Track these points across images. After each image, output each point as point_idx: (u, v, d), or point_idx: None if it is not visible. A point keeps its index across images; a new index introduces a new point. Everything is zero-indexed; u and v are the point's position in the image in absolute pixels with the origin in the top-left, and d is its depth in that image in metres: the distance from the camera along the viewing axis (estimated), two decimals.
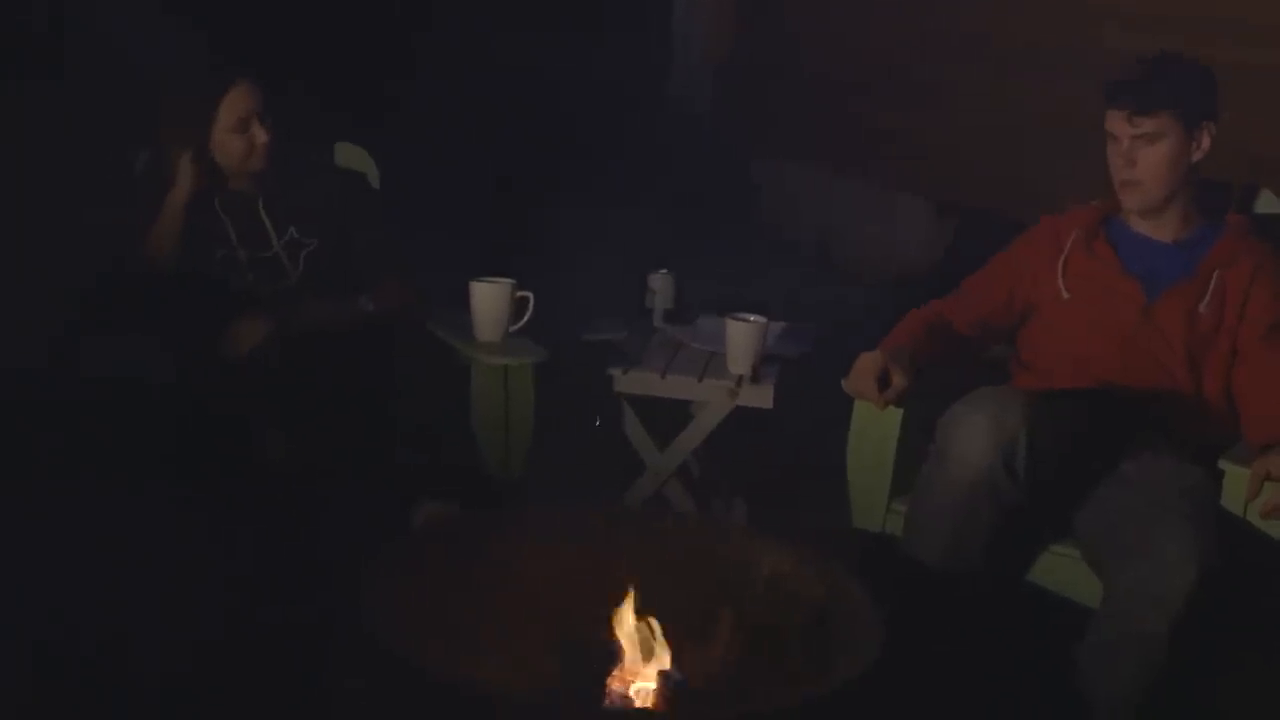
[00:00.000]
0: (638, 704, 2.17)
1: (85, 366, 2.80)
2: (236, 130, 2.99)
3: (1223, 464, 2.63)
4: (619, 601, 2.25)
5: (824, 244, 5.45)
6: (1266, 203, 3.05)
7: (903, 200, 5.24)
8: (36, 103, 3.44)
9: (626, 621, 2.24)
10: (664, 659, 2.22)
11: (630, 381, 3.21)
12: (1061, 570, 2.70)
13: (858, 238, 5.37)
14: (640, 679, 2.20)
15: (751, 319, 3.17)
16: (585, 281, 3.48)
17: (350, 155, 3.36)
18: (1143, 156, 2.75)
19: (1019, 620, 2.63)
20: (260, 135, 3.00)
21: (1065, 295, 2.87)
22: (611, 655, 2.21)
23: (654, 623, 2.24)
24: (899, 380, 2.69)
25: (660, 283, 3.47)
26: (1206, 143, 2.76)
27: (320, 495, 2.73)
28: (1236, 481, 2.60)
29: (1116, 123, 2.77)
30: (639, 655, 2.21)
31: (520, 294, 3.11)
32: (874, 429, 2.86)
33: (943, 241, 5.00)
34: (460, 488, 2.86)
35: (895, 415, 2.83)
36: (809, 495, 3.28)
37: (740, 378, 3.15)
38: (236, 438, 2.80)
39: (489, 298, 3.09)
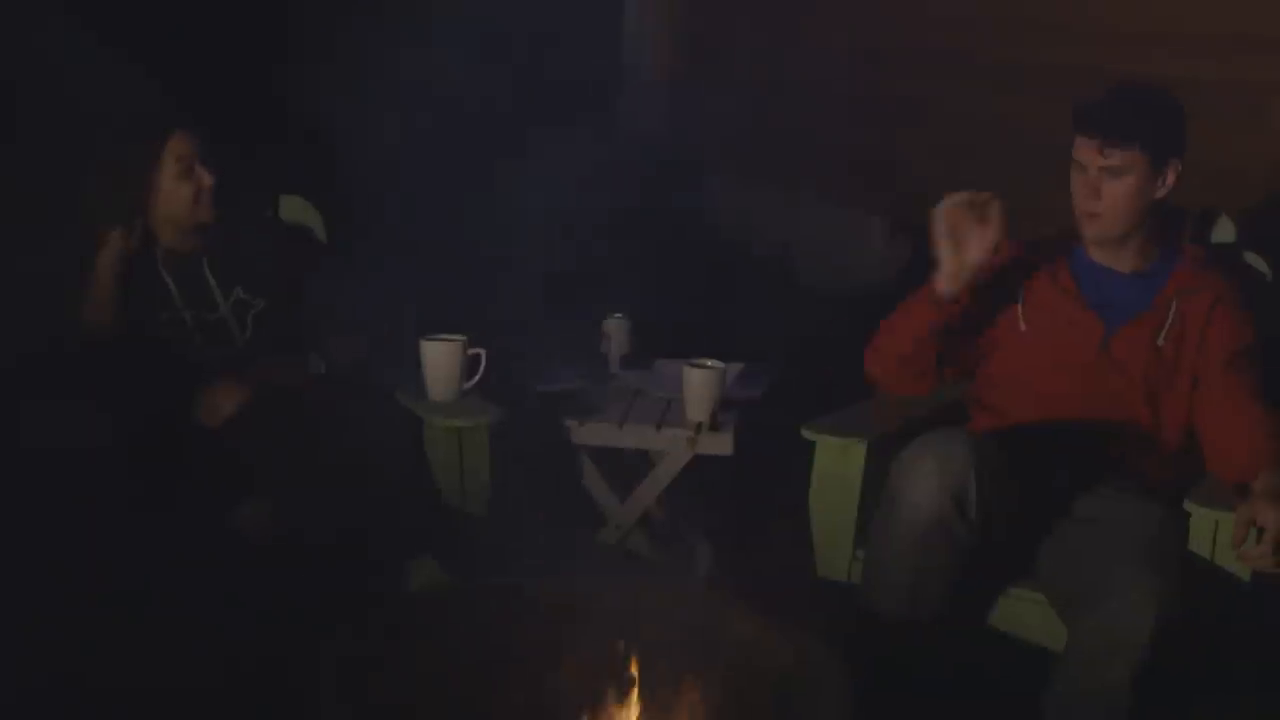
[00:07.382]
0: None
1: (25, 435, 2.73)
2: (181, 176, 2.94)
3: (1188, 505, 2.60)
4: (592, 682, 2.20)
5: (781, 263, 5.41)
6: (1223, 231, 3.03)
7: (856, 218, 5.21)
8: None
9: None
10: None
11: (587, 433, 3.15)
12: (1028, 615, 2.67)
13: (814, 256, 5.34)
14: None
15: (709, 364, 3.12)
16: (539, 331, 3.41)
17: (295, 208, 3.30)
18: (1108, 189, 2.71)
19: (988, 672, 2.60)
20: (205, 178, 2.95)
21: (1022, 327, 2.84)
22: None
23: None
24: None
25: (615, 327, 3.40)
26: (1171, 180, 2.72)
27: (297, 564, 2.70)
28: (1202, 524, 2.57)
29: (1085, 151, 2.71)
30: None
31: (472, 351, 3.04)
32: (836, 476, 2.82)
33: (898, 260, 4.98)
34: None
35: (858, 461, 2.80)
36: (774, 538, 3.24)
37: (699, 425, 3.10)
38: (205, 506, 2.75)
39: (440, 356, 3.02)
